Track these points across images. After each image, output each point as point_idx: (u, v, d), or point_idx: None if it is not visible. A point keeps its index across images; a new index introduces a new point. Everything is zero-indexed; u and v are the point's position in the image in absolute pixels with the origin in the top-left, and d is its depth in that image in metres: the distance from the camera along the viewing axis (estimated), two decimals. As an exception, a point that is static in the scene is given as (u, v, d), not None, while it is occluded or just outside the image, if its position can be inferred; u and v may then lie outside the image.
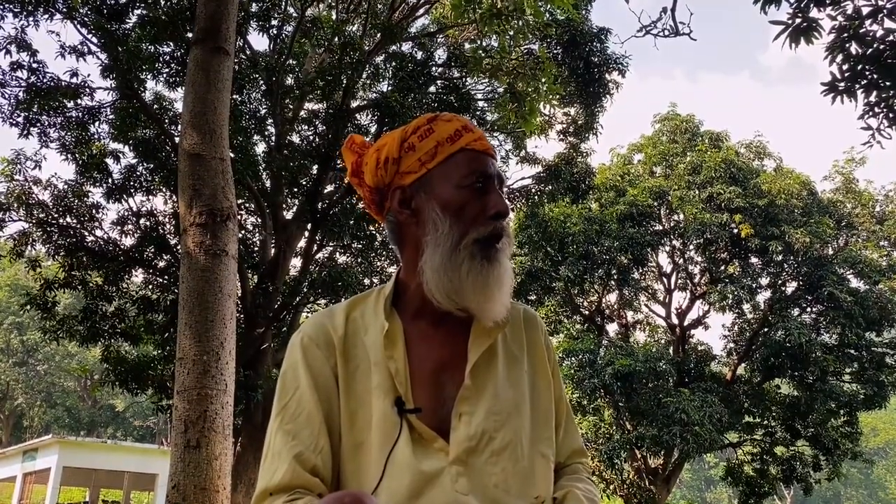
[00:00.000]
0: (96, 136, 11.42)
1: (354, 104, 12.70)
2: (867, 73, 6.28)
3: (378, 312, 1.26)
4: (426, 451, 1.15)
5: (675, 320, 20.99)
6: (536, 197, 14.06)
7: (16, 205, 10.85)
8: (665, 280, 21.29)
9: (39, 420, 42.62)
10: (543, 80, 10.27)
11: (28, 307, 11.68)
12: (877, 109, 6.54)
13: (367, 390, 1.20)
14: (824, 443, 18.95)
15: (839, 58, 6.27)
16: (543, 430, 1.27)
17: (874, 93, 6.44)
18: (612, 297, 20.97)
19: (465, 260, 1.18)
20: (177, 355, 6.62)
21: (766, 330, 19.65)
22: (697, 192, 19.16)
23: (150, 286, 12.41)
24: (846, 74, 6.28)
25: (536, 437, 1.24)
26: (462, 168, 1.22)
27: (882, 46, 6.17)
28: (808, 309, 20.05)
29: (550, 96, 10.50)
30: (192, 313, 6.56)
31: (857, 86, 6.30)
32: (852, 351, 19.53)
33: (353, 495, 0.95)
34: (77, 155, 11.28)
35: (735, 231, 18.63)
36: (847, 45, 6.22)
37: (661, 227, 20.13)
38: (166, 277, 11.83)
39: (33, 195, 11.09)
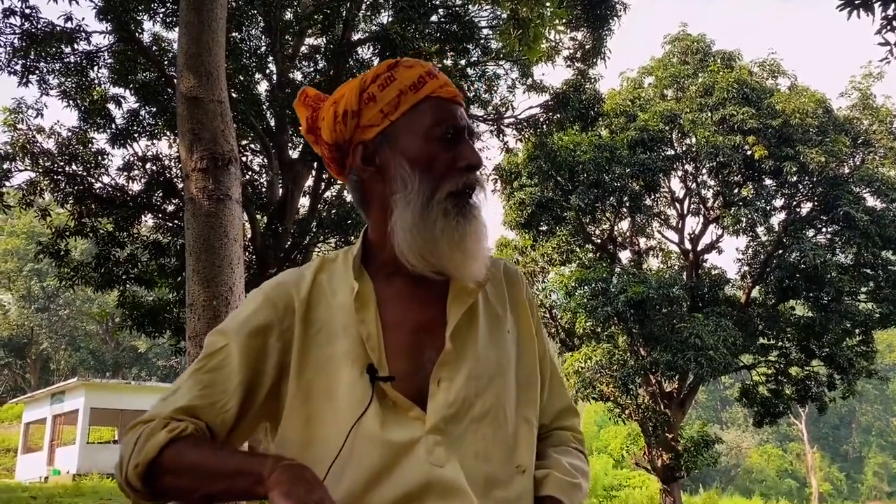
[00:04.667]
0: (96, 82, 11.27)
1: (355, 37, 12.41)
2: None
3: (347, 274, 1.17)
4: (400, 420, 1.08)
5: (688, 246, 20.88)
6: (545, 126, 13.81)
7: (20, 154, 10.80)
8: (678, 205, 21.09)
9: (66, 363, 43.61)
10: (548, 3, 9.94)
11: (42, 256, 11.77)
12: (895, 24, 6.29)
13: (331, 357, 1.12)
14: (839, 362, 19.00)
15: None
16: (528, 393, 1.19)
17: (892, 6, 6.19)
18: (625, 225, 20.85)
19: (438, 217, 1.10)
20: (186, 301, 6.66)
21: (780, 252, 19.52)
22: (710, 114, 18.78)
23: (161, 231, 12.44)
24: (862, -13, 6.02)
25: (520, 401, 1.17)
26: (428, 118, 1.14)
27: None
28: (823, 229, 19.86)
29: (556, 21, 10.18)
30: (199, 259, 6.55)
31: (874, -1, 6.05)
32: (868, 270, 19.42)
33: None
34: (78, 101, 11.16)
35: (748, 153, 18.32)
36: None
37: (672, 152, 19.83)
38: (176, 222, 11.84)
39: (37, 144, 11.03)
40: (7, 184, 10.95)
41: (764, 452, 59.35)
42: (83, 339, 42.55)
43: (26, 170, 11.04)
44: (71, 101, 11.13)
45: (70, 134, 11.39)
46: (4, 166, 10.76)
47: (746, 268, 20.57)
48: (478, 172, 1.17)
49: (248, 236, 11.74)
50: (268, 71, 12.54)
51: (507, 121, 13.71)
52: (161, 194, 11.82)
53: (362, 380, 1.08)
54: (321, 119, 1.22)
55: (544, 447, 1.23)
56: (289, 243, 11.83)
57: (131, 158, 11.79)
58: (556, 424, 1.28)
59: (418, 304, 1.16)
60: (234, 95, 10.68)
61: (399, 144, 1.14)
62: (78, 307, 41.15)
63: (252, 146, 13.12)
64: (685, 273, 20.57)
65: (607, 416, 25.49)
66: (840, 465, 65.44)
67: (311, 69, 12.72)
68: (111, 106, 11.48)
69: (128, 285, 12.25)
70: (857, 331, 19.46)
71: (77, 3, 10.26)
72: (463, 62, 12.47)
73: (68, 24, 10.32)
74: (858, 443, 68.46)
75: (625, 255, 21.09)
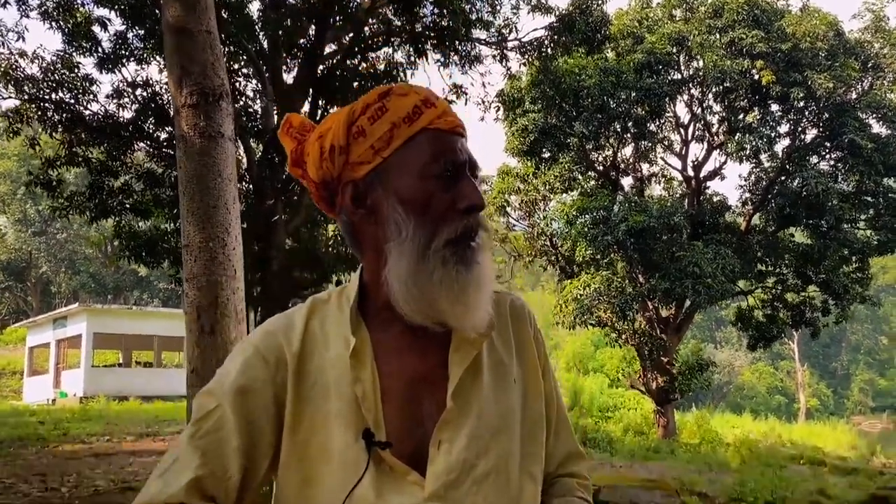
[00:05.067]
0: (79, 2, 10.82)
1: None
2: None
3: (342, 322, 1.07)
4: (397, 486, 0.99)
5: (690, 172, 20.69)
6: (549, 50, 13.38)
7: (3, 80, 10.44)
8: (682, 131, 20.78)
9: (66, 286, 43.82)
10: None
11: (33, 186, 11.55)
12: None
13: (326, 415, 1.03)
14: (835, 288, 19.14)
15: None
16: (532, 445, 1.11)
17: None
18: (628, 151, 20.59)
19: (436, 267, 0.99)
20: (182, 242, 6.53)
21: (782, 179, 19.37)
22: (718, 36, 18.25)
23: (154, 160, 12.18)
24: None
25: (525, 454, 1.09)
26: (424, 154, 1.01)
27: None
28: (827, 157, 19.65)
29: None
30: (193, 199, 6.38)
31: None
32: (869, 198, 19.34)
33: None
34: (61, 23, 10.73)
35: (756, 78, 17.90)
36: None
37: (679, 76, 19.38)
38: (169, 150, 11.59)
39: (20, 69, 10.64)
40: (-8, 111, 10.65)
41: (756, 370, 60.72)
42: (82, 263, 42.61)
43: (10, 97, 10.70)
44: (53, 23, 10.70)
45: (55, 58, 10.99)
46: (-13, 93, 10.43)
47: (748, 195, 20.47)
48: (481, 213, 1.03)
49: (244, 166, 11.53)
50: (260, -10, 12.06)
51: (510, 44, 13.27)
52: (153, 122, 11.52)
53: (357, 444, 1.00)
54: (306, 154, 1.09)
55: (549, 498, 1.15)
56: (286, 174, 11.63)
57: (120, 84, 11.43)
58: (561, 471, 1.20)
59: (418, 354, 1.06)
60: (224, 16, 10.28)
61: (392, 184, 1.02)
62: (75, 231, 41.05)
63: (244, 71, 12.73)
64: (687, 200, 20.45)
65: (604, 338, 25.83)
66: (828, 382, 67.07)
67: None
68: (96, 28, 11.05)
69: (123, 215, 12.10)
70: (853, 258, 19.52)
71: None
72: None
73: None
74: (847, 361, 69.98)
75: (627, 183, 20.95)
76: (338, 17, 11.86)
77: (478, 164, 1.06)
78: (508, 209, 21.64)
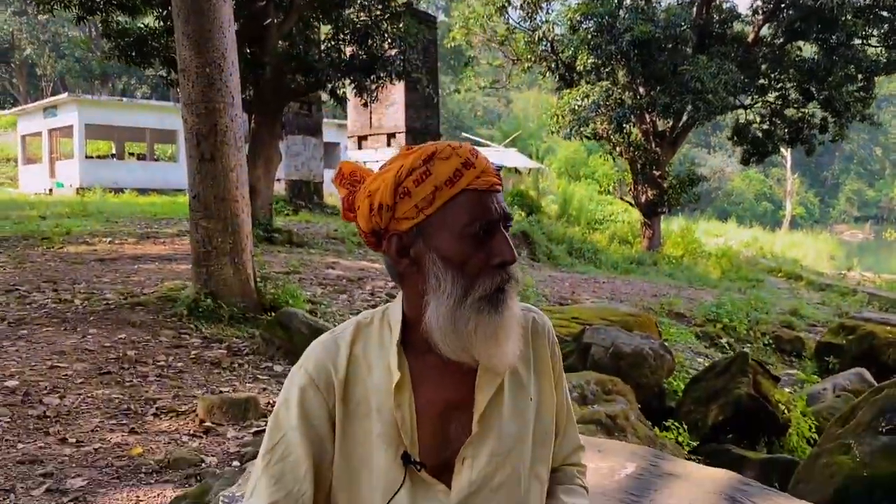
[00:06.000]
0: None
1: None
2: None
3: (384, 350, 1.21)
4: (427, 496, 1.18)
5: (702, -25, 19.65)
6: None
7: None
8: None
9: (52, 69, 42.67)
10: None
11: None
12: None
13: (366, 434, 1.19)
14: (836, 106, 18.98)
15: None
16: (542, 450, 1.28)
17: None
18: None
19: (471, 316, 1.12)
20: (178, 67, 6.41)
21: (797, -11, 18.49)
22: None
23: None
24: None
25: (534, 458, 1.26)
26: (463, 215, 1.11)
27: None
28: (848, -35, 18.59)
29: None
30: (188, 22, 6.20)
31: None
32: (884, 13, 18.58)
33: None
34: None
35: None
36: None
37: None
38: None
39: None
40: None
41: (746, 177, 61.24)
42: (67, 47, 41.14)
43: None
44: None
45: None
46: None
47: (759, 2, 19.61)
48: (512, 266, 1.14)
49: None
50: None
51: None
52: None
53: (396, 463, 1.17)
54: (357, 205, 1.20)
55: (553, 484, 1.34)
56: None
57: None
58: (565, 462, 1.39)
59: (449, 380, 1.21)
60: None
61: (433, 240, 1.13)
62: (59, 11, 39.19)
63: None
64: (695, 8, 19.60)
65: (599, 149, 25.87)
66: (816, 191, 68.15)
67: None
68: None
69: (111, 12, 11.61)
70: (859, 76, 19.14)
71: None
72: None
73: None
74: (838, 170, 70.58)
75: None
76: None
77: (511, 216, 1.16)
78: (509, 9, 20.74)
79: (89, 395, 4.74)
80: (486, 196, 1.12)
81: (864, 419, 4.09)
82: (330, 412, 1.20)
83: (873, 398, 4.20)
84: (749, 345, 8.67)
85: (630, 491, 2.65)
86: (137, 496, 3.45)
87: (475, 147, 1.15)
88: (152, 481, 3.67)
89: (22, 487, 3.50)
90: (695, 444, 5.11)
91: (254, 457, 3.48)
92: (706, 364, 6.59)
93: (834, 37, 18.14)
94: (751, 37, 19.52)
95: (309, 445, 1.18)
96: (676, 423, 5.21)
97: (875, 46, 19.43)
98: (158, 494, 3.46)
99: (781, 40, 19.43)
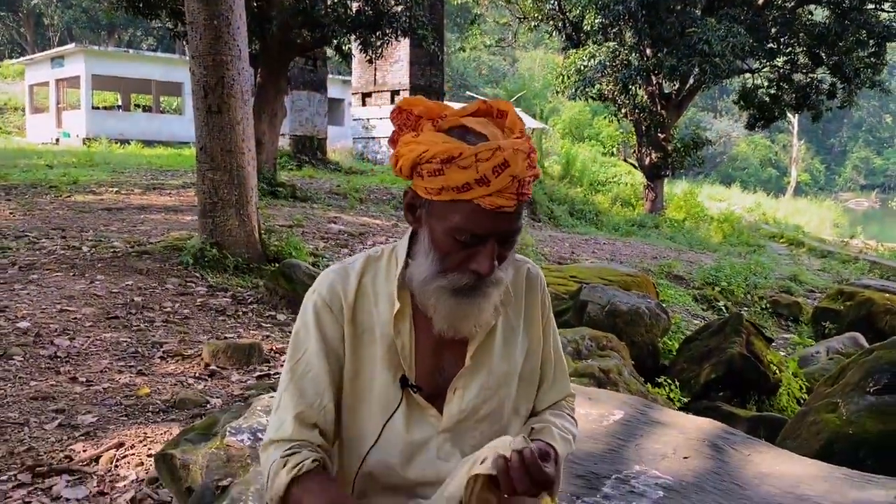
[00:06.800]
0: None
1: None
2: None
3: (390, 282, 1.31)
4: (420, 419, 1.30)
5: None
6: None
7: None
8: None
9: (59, 19, 42.28)
10: None
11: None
12: None
13: (371, 357, 1.30)
14: (845, 72, 18.79)
15: None
16: (526, 388, 1.40)
17: None
18: None
19: (434, 295, 1.22)
20: (186, 19, 6.42)
21: (812, -50, 18.22)
22: None
23: None
24: None
25: (518, 396, 1.38)
26: (459, 219, 1.17)
27: None
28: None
29: None
30: (195, -27, 6.19)
31: None
32: (899, -22, 18.32)
33: None
34: None
35: None
36: None
37: None
38: None
39: None
40: None
41: (752, 142, 60.71)
42: (74, -4, 40.72)
43: None
44: None
45: None
46: None
47: (771, -36, 19.33)
48: (493, 275, 1.21)
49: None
50: None
51: None
52: None
53: (394, 385, 1.29)
54: (395, 145, 1.25)
55: (543, 413, 1.45)
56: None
57: None
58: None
59: None
60: None
61: (431, 219, 1.21)
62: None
63: None
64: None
65: (603, 109, 25.72)
66: (823, 158, 67.62)
67: None
68: None
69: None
70: (871, 42, 18.90)
71: None
72: None
73: None
74: (846, 137, 69.94)
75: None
76: None
77: (512, 236, 1.22)
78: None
79: (98, 337, 4.88)
80: (488, 213, 1.15)
81: (852, 379, 4.19)
82: (342, 333, 1.30)
83: (863, 359, 4.30)
84: (746, 308, 8.77)
85: (617, 436, 2.78)
86: (145, 433, 3.60)
87: (517, 152, 1.14)
88: (159, 419, 3.81)
89: (35, 422, 3.65)
90: (686, 400, 5.24)
91: (258, 394, 3.63)
92: (701, 326, 6.69)
93: (846, 0, 17.91)
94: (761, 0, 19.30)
95: (326, 361, 1.29)
96: (669, 381, 5.34)
97: (888, 12, 19.19)
98: (165, 431, 3.60)
99: (792, 3, 19.21)
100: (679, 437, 2.81)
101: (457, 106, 1.32)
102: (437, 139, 1.17)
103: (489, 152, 1.13)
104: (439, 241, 1.20)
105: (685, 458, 2.63)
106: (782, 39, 19.65)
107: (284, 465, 1.23)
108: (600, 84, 18.36)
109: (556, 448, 1.26)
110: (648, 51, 18.40)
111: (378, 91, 24.47)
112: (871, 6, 18.62)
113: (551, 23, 20.43)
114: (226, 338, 5.12)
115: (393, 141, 1.26)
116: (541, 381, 1.44)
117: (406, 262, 1.30)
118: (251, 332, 5.41)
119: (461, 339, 1.29)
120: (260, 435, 2.45)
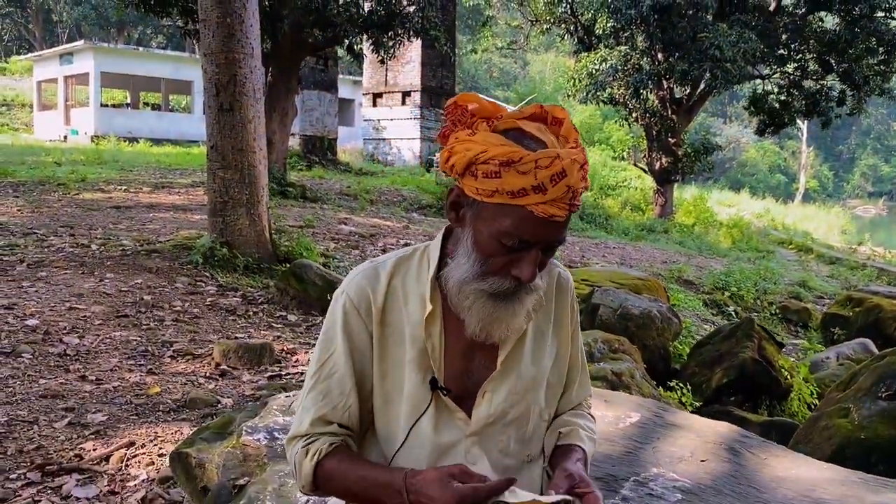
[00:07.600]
0: None
1: None
2: None
3: (421, 283, 1.30)
4: (449, 421, 1.29)
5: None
6: None
7: None
8: None
9: (68, 16, 42.45)
10: None
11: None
12: None
13: (400, 358, 1.29)
14: (855, 79, 18.71)
15: None
16: (552, 391, 1.39)
17: None
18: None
19: (472, 297, 1.21)
20: (199, 16, 6.42)
21: (824, -43, 18.16)
22: None
23: None
24: None
25: (544, 400, 1.37)
26: (509, 224, 1.14)
27: None
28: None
29: None
30: (209, -29, 6.18)
31: None
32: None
33: (459, 467, 1.14)
34: None
35: None
36: None
37: None
38: None
39: None
40: None
41: (761, 148, 60.62)
42: (85, -8, 40.88)
43: None
44: None
45: None
46: None
47: (783, -30, 19.28)
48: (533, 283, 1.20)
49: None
50: None
51: None
52: None
53: (424, 386, 1.28)
54: (450, 140, 1.22)
55: (565, 414, 1.45)
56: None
57: None
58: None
59: None
60: None
61: (477, 220, 1.18)
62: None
63: None
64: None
65: (615, 114, 25.66)
66: (831, 165, 67.47)
67: None
68: None
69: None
70: (881, 49, 18.83)
71: None
72: None
73: None
74: (854, 144, 69.75)
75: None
76: None
77: (558, 244, 1.20)
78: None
79: (107, 336, 4.87)
80: (539, 221, 1.14)
81: (864, 385, 4.17)
82: (370, 335, 1.29)
83: (874, 364, 4.28)
84: (756, 314, 8.73)
85: (634, 438, 2.75)
86: (156, 432, 3.58)
87: (574, 162, 1.12)
88: (170, 419, 3.80)
89: (45, 420, 3.63)
90: (698, 404, 5.21)
91: (271, 394, 3.60)
92: (712, 331, 6.66)
93: (857, 8, 17.84)
94: (772, 6, 19.22)
95: (353, 363, 1.29)
96: (680, 385, 5.32)
97: (898, 19, 19.12)
98: (176, 431, 3.59)
99: (803, 10, 19.14)
100: (695, 441, 2.79)
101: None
102: (494, 140, 1.15)
103: (549, 160, 1.11)
104: (483, 243, 1.18)
105: (703, 461, 2.61)
106: (793, 46, 19.59)
107: (307, 455, 1.26)
108: (611, 88, 18.32)
109: (584, 448, 1.34)
110: (660, 55, 18.36)
111: (389, 92, 24.47)
112: (881, 14, 18.55)
113: (563, 26, 20.40)
114: (236, 338, 5.11)
115: (444, 136, 1.23)
116: (567, 384, 1.43)
117: (439, 263, 1.28)
118: (262, 332, 5.40)
119: (491, 343, 1.28)
120: (276, 434, 2.44)
